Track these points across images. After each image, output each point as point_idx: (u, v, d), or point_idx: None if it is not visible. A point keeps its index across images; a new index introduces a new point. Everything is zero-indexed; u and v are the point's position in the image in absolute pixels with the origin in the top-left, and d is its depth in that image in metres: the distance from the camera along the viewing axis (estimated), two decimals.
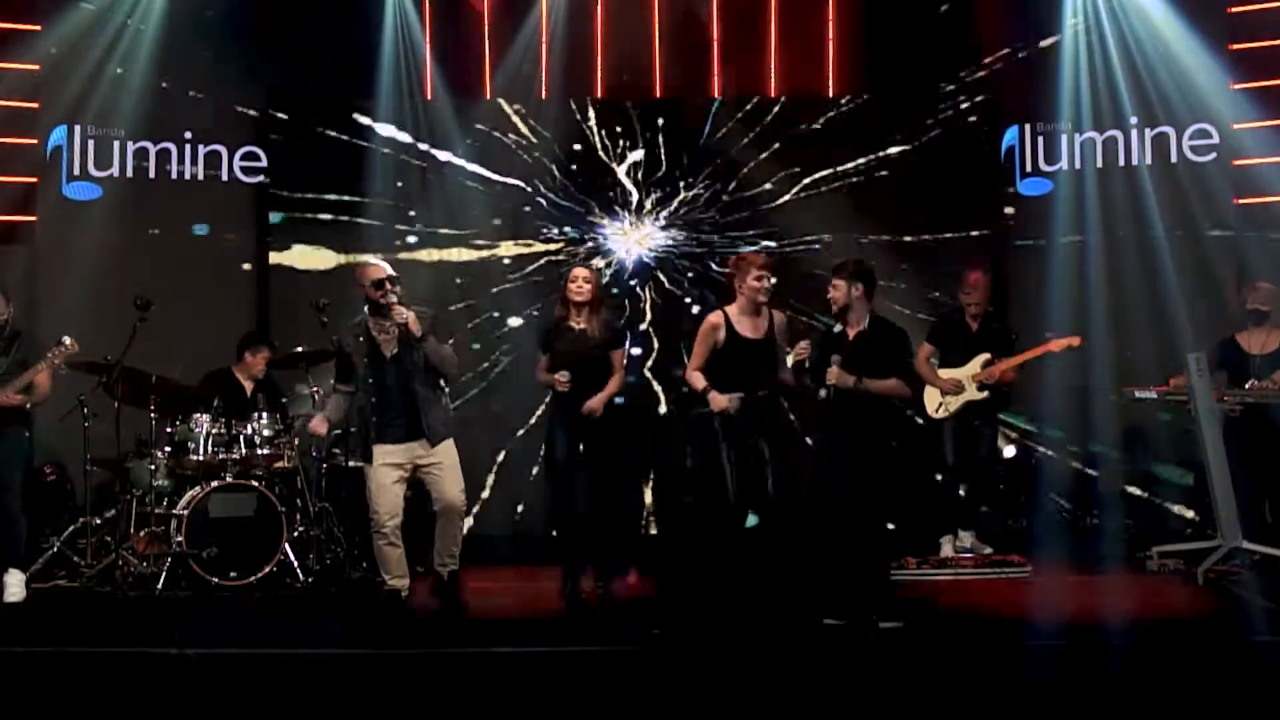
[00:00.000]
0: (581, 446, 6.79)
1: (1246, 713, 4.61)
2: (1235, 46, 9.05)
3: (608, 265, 9.43)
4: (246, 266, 9.52)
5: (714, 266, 9.45)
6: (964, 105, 9.50)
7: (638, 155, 9.60)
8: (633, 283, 9.51)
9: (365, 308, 6.69)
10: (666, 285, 9.55)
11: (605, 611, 6.58)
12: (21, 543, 7.04)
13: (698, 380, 6.48)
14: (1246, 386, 7.43)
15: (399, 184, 9.54)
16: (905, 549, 7.73)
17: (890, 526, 6.24)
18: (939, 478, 8.22)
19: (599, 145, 9.63)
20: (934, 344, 8.02)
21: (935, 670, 5.32)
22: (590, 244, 9.54)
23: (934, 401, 7.98)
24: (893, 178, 9.48)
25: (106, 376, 7.52)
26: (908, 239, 9.40)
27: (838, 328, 6.33)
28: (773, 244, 9.29)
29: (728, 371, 6.46)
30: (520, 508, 9.33)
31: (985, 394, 7.88)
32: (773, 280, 6.45)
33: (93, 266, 8.89)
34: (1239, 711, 4.62)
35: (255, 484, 7.50)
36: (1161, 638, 5.87)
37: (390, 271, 6.67)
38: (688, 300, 9.50)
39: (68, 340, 6.94)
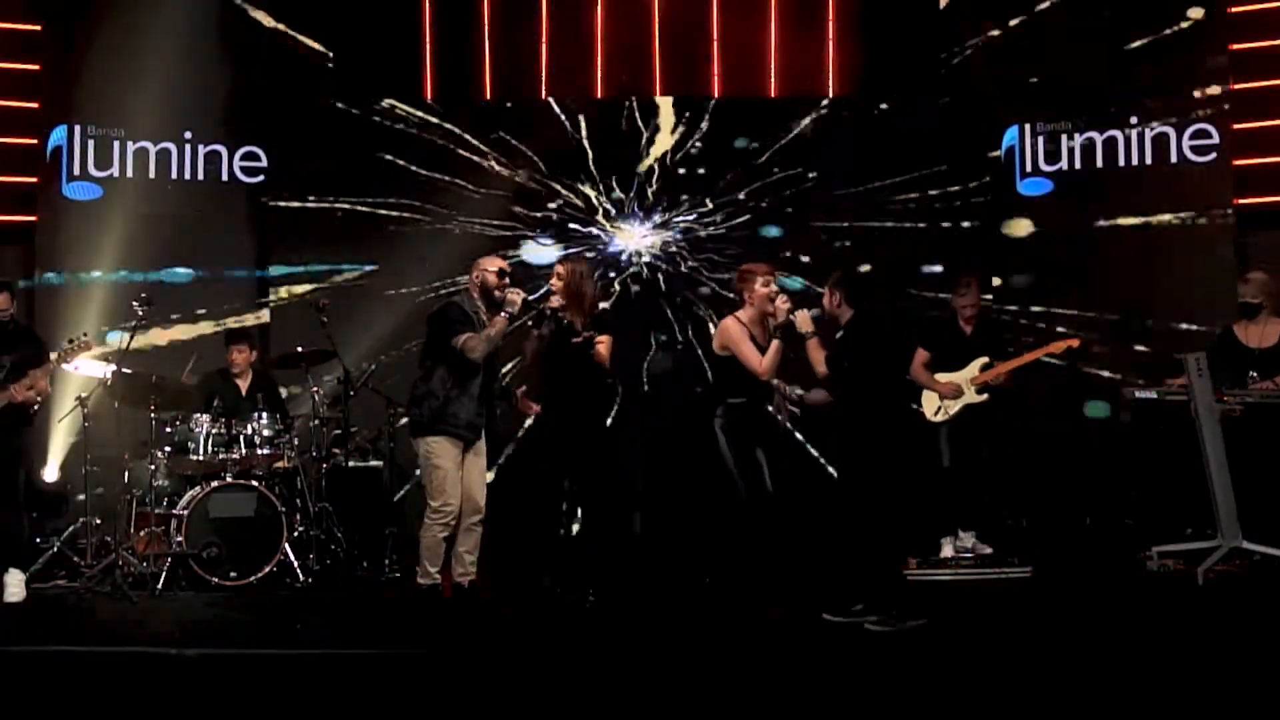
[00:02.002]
0: (571, 444, 6.77)
1: (1246, 713, 4.61)
2: (1235, 47, 9.05)
3: (602, 265, 9.42)
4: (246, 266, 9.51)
5: (710, 267, 9.48)
6: (964, 104, 9.51)
7: (636, 155, 9.60)
8: (633, 284, 9.53)
9: (477, 295, 6.63)
10: (665, 285, 9.55)
11: (602, 612, 6.58)
12: (22, 542, 7.04)
13: (773, 361, 6.53)
14: (1249, 382, 7.43)
15: (397, 184, 9.54)
16: (905, 549, 7.74)
17: (884, 522, 6.24)
18: (937, 479, 8.22)
19: (598, 145, 9.64)
20: (928, 349, 8.02)
21: (935, 670, 5.32)
22: (589, 244, 9.54)
23: (932, 405, 7.97)
24: (892, 178, 9.50)
25: (107, 376, 7.52)
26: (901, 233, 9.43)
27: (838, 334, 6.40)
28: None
29: (739, 375, 6.55)
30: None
31: (984, 397, 7.88)
32: (777, 286, 6.58)
33: (93, 266, 8.90)
34: (1239, 712, 4.62)
35: (255, 484, 7.50)
36: (1161, 638, 5.87)
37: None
38: (685, 299, 9.51)
39: (85, 336, 6.97)
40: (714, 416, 6.62)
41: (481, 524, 6.63)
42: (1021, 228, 9.39)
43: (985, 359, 7.91)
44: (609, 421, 7.07)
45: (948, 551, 7.88)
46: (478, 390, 6.52)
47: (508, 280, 6.60)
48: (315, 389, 8.05)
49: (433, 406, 6.49)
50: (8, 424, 6.88)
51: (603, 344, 6.74)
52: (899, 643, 5.77)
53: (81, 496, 7.76)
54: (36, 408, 7.03)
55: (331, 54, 9.52)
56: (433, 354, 6.57)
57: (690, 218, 9.58)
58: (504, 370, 7.27)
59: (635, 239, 9.59)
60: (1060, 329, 8.53)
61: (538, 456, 6.87)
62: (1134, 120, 9.17)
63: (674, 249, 9.57)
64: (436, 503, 6.45)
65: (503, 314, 6.48)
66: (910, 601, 6.05)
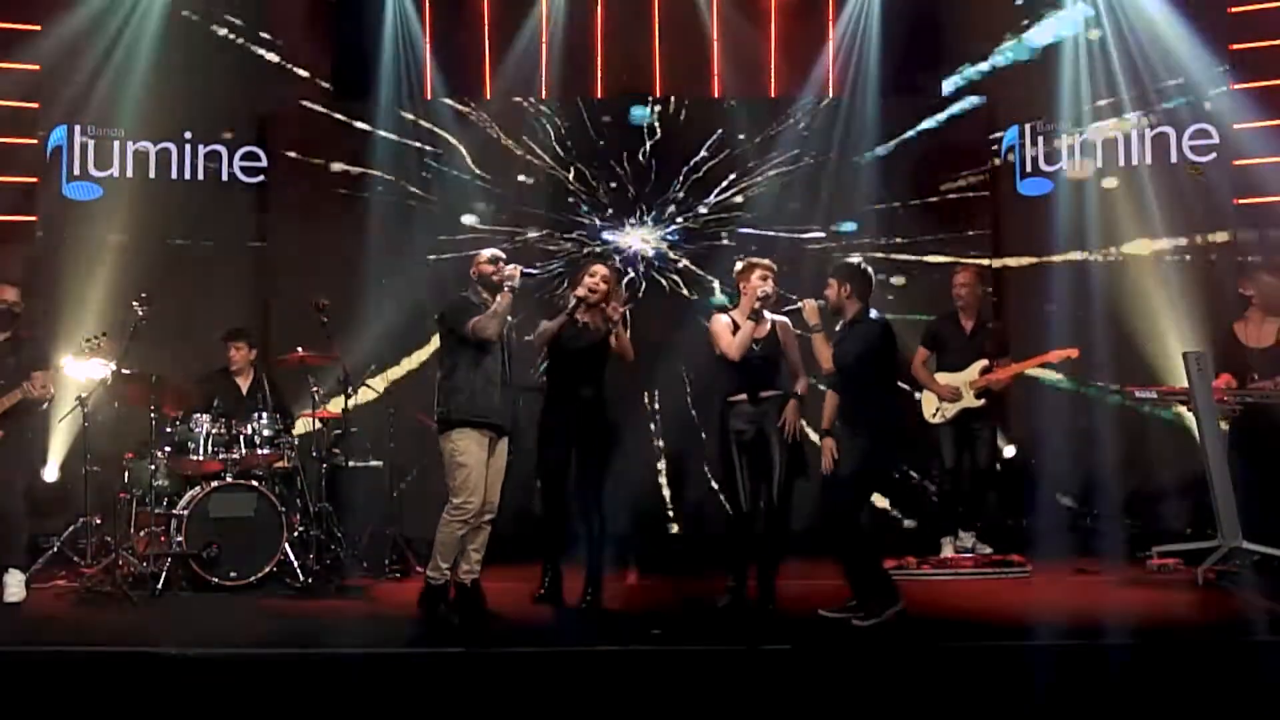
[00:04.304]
0: (575, 443, 6.78)
1: (1246, 713, 4.61)
2: (1235, 46, 9.05)
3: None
4: (246, 266, 9.51)
5: (709, 266, 9.50)
6: (963, 104, 9.51)
7: (636, 155, 9.61)
8: (630, 279, 9.53)
9: (480, 289, 6.67)
10: (665, 285, 9.56)
11: (600, 611, 6.58)
12: (22, 543, 7.05)
13: (744, 337, 6.54)
14: (1249, 381, 7.43)
15: (398, 184, 9.55)
16: (905, 549, 7.75)
17: (855, 523, 6.26)
18: (938, 479, 8.22)
19: (598, 145, 9.64)
20: (929, 347, 8.02)
21: (935, 670, 5.32)
22: (589, 244, 9.54)
23: (931, 406, 7.97)
24: (892, 178, 9.50)
25: (106, 376, 7.51)
26: (902, 240, 9.42)
27: (839, 326, 6.40)
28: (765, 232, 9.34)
29: (738, 371, 6.57)
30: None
31: (981, 402, 7.88)
32: (770, 288, 6.58)
33: (93, 266, 8.90)
34: (1239, 712, 4.62)
35: (255, 484, 7.50)
36: (1161, 638, 5.87)
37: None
38: (684, 299, 9.51)
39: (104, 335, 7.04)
40: (721, 417, 6.66)
41: (492, 523, 6.64)
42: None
43: (985, 362, 7.90)
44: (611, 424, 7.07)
45: (948, 551, 7.88)
46: (496, 375, 6.55)
47: (501, 264, 6.66)
48: (315, 389, 8.05)
49: (459, 401, 6.52)
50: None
51: (623, 337, 6.80)
52: (898, 642, 5.78)
53: (82, 496, 7.75)
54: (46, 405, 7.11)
55: (331, 53, 9.53)
56: (451, 350, 6.62)
57: (690, 218, 9.58)
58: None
59: (635, 240, 9.59)
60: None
61: (541, 452, 6.87)
62: (1134, 120, 9.17)
63: (673, 250, 9.58)
64: (458, 499, 6.47)
65: (505, 289, 6.53)
66: (888, 591, 6.10)
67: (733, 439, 6.55)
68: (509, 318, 6.63)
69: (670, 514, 9.41)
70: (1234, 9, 9.10)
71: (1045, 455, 8.97)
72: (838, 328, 6.42)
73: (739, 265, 6.81)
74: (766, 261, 6.74)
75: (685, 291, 9.53)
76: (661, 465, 9.43)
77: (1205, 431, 7.20)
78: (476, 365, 6.52)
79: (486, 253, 6.81)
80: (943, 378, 7.93)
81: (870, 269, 6.41)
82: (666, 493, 9.42)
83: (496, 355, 6.57)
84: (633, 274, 9.52)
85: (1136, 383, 7.92)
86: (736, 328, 6.60)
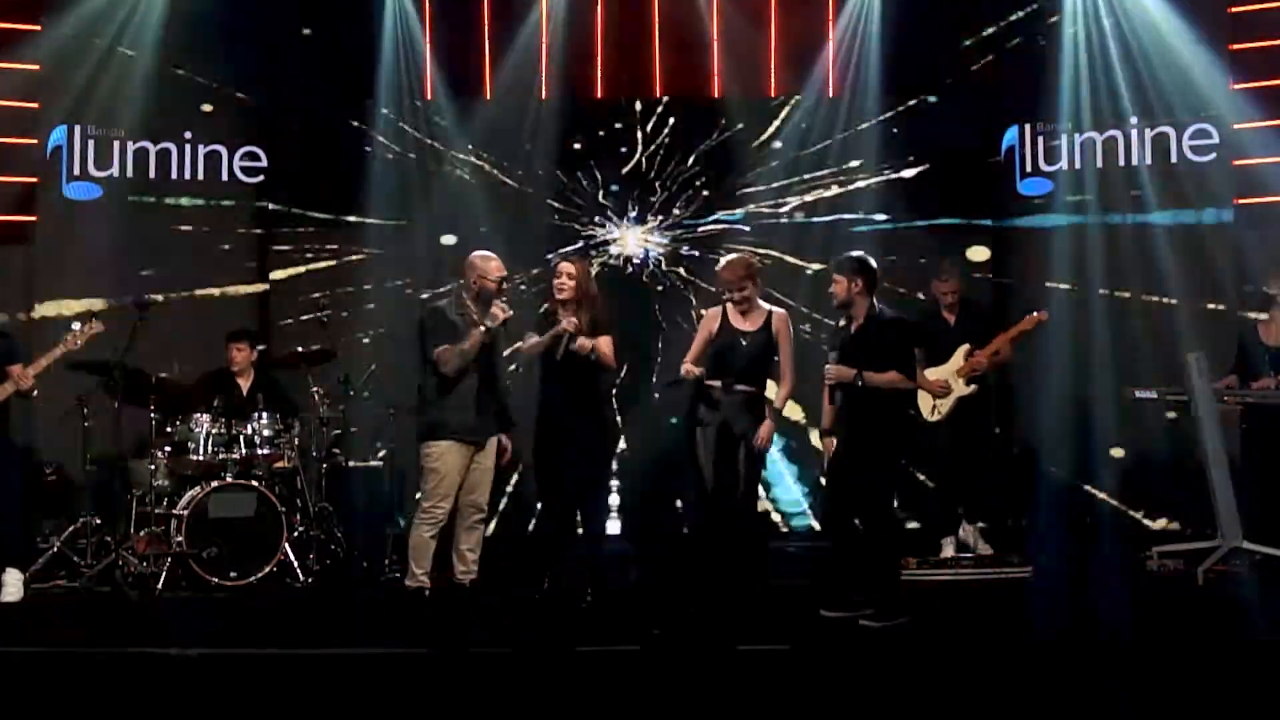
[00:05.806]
0: (570, 442, 6.77)
1: (1246, 713, 4.61)
2: (1235, 46, 9.04)
3: (602, 265, 9.41)
4: (246, 267, 9.51)
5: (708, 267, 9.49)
6: (963, 104, 9.51)
7: (637, 155, 9.61)
8: (631, 278, 9.54)
9: (469, 295, 6.62)
10: (665, 285, 9.56)
11: (603, 611, 6.58)
12: (17, 541, 7.04)
13: (687, 369, 6.59)
14: (1256, 384, 7.43)
15: (397, 184, 9.55)
16: (905, 549, 7.74)
17: (889, 524, 6.25)
18: (938, 478, 8.21)
19: (598, 145, 9.64)
20: (918, 345, 7.96)
21: (935, 670, 5.32)
22: (589, 244, 9.54)
23: (927, 405, 7.95)
24: (891, 178, 9.50)
25: (106, 376, 7.51)
26: (901, 240, 9.41)
27: (842, 323, 6.37)
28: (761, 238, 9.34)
29: (718, 360, 6.59)
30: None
31: (974, 388, 7.82)
32: (740, 291, 6.55)
33: (93, 266, 8.90)
34: (1239, 712, 4.62)
35: (255, 484, 7.50)
36: (1161, 638, 5.87)
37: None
38: (685, 299, 9.51)
39: (94, 322, 7.00)
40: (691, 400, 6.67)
41: (483, 522, 6.64)
42: (979, 254, 9.40)
43: (967, 346, 7.86)
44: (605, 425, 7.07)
45: (948, 551, 7.87)
46: (471, 393, 6.51)
47: (506, 291, 6.63)
48: (315, 389, 8.05)
49: (430, 414, 6.55)
50: None
51: (604, 342, 6.74)
52: (899, 642, 5.78)
53: (82, 496, 7.75)
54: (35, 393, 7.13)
55: (330, 52, 9.53)
56: (423, 362, 6.62)
57: (689, 219, 9.59)
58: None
59: (633, 240, 9.59)
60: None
61: (538, 451, 6.86)
62: (1134, 120, 9.16)
63: (672, 250, 9.58)
64: (427, 504, 6.51)
65: (481, 328, 6.47)
66: (901, 599, 6.09)
67: (696, 425, 6.55)
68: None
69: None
70: (1234, 9, 9.09)
71: (1045, 454, 8.98)
72: (841, 323, 6.40)
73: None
74: (741, 265, 6.70)
75: (686, 292, 9.53)
76: None
77: (1205, 432, 7.20)
78: (444, 382, 6.49)
79: (494, 271, 6.65)
80: (931, 373, 7.91)
81: (875, 262, 6.38)
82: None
83: (479, 378, 6.52)
84: (632, 271, 9.53)
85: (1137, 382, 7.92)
86: (724, 316, 6.62)
